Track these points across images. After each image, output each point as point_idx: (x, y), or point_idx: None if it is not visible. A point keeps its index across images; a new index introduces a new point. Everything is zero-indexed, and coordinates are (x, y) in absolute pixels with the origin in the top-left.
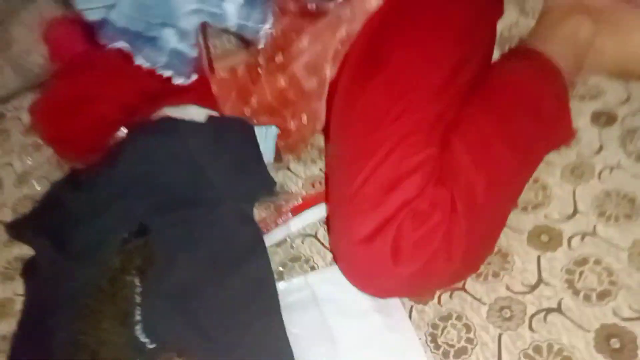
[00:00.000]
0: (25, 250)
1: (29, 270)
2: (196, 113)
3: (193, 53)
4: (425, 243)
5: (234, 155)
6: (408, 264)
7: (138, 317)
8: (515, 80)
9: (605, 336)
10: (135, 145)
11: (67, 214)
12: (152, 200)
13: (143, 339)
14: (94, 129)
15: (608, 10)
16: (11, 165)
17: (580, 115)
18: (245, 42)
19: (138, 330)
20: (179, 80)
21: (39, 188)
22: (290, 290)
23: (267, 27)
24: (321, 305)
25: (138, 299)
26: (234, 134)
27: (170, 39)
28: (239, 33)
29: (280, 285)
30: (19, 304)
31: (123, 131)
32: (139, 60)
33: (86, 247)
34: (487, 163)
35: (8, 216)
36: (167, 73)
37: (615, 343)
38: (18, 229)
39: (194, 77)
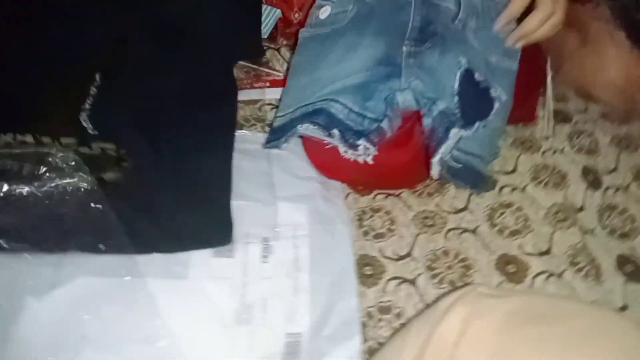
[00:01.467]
0: None
1: None
2: None
3: None
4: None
5: (235, 11)
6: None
7: (87, 106)
8: None
9: (505, 261)
10: None
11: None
12: (141, 19)
13: (85, 123)
14: None
15: (596, 36)
16: None
17: (543, 110)
18: None
19: (83, 115)
20: None
21: None
22: (247, 139)
23: None
24: (270, 160)
25: (93, 91)
26: None
27: None
28: None
29: (239, 133)
30: None
31: None
32: None
33: (62, 33)
34: None
35: None
36: None
37: (511, 268)
38: None
39: None
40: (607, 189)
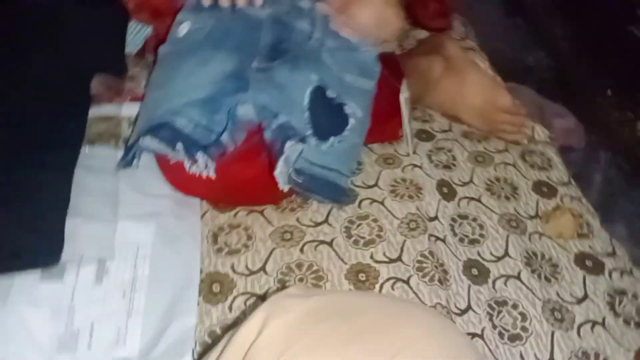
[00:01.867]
0: None
1: None
2: None
3: None
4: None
5: (97, 24)
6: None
7: None
8: None
9: (357, 270)
10: None
11: None
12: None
13: None
14: None
15: (458, 62)
16: None
17: (408, 126)
18: None
19: None
20: None
21: None
22: (96, 155)
23: None
24: (119, 177)
25: None
26: (108, 7)
27: None
28: None
29: (88, 149)
30: None
31: None
32: None
33: None
34: None
35: None
36: None
37: (362, 276)
38: None
39: None
40: (460, 199)
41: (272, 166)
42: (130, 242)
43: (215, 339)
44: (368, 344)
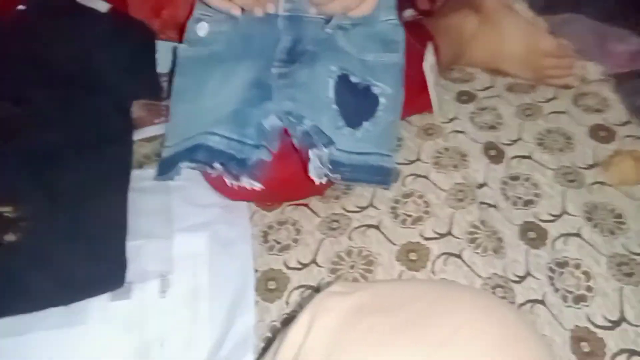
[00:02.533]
0: None
1: None
2: (101, 5)
3: None
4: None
5: (127, 53)
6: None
7: None
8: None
9: (407, 250)
10: (29, 22)
11: None
12: (37, 75)
13: None
14: None
15: (492, 12)
16: None
17: (448, 92)
18: None
19: None
20: None
21: None
22: (145, 176)
23: None
24: (170, 193)
25: None
26: (133, 34)
27: None
28: None
29: (137, 172)
30: None
31: (21, 7)
32: None
33: None
34: None
35: None
36: None
37: (413, 256)
38: None
39: None
40: (510, 160)
41: (306, 166)
42: (187, 253)
43: (277, 334)
44: (413, 335)
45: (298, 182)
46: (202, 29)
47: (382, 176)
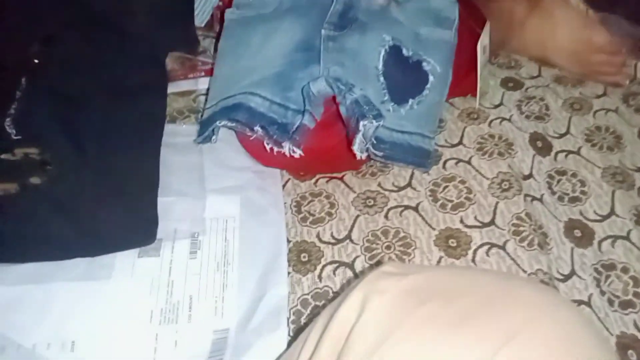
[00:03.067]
0: None
1: None
2: None
3: None
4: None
5: (164, 2)
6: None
7: (12, 111)
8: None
9: (447, 236)
10: None
11: None
12: (68, 15)
13: (9, 129)
14: None
15: (546, 2)
16: None
17: (494, 77)
18: None
19: (7, 121)
20: None
21: None
22: (178, 132)
23: None
24: (202, 153)
25: (18, 94)
26: None
27: None
28: None
29: (170, 126)
30: None
31: None
32: None
33: None
34: None
35: None
36: None
37: (452, 242)
38: None
39: None
40: (557, 153)
41: (349, 138)
42: (220, 216)
43: (308, 308)
44: (475, 329)
45: (338, 153)
46: None
47: (422, 158)
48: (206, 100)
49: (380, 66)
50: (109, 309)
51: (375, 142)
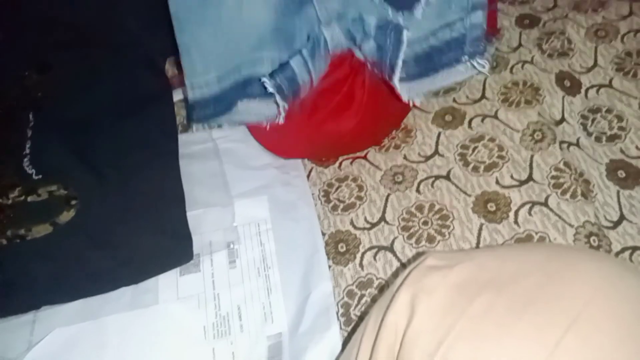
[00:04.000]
0: None
1: None
2: None
3: None
4: (329, 91)
5: (152, 5)
6: (308, 117)
7: (27, 151)
8: None
9: (485, 200)
10: None
11: None
12: (58, 37)
13: (29, 170)
14: None
15: None
16: None
17: (507, 16)
18: None
19: (25, 161)
20: None
21: None
22: (193, 141)
23: None
24: (221, 157)
25: (29, 133)
26: None
27: None
28: None
29: (183, 136)
30: None
31: None
32: None
33: None
34: None
35: None
36: None
37: (491, 206)
38: None
39: None
40: (587, 90)
41: (388, 85)
42: (251, 221)
43: (354, 298)
44: (534, 318)
45: (357, 135)
46: None
47: (471, 45)
48: (185, 71)
49: None
50: (162, 333)
51: (417, 63)
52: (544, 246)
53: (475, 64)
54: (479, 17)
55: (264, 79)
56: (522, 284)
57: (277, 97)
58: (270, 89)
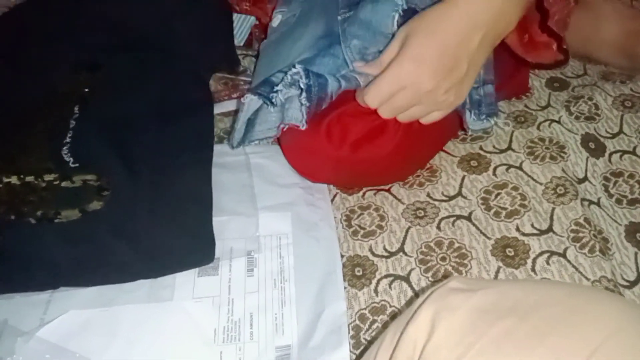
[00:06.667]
0: None
1: None
2: None
3: None
4: (357, 127)
5: (205, 21)
6: (339, 143)
7: (68, 140)
8: None
9: (503, 245)
10: None
11: (25, 33)
12: (112, 39)
13: (67, 157)
14: None
15: None
16: None
17: (538, 78)
18: None
19: (64, 150)
20: None
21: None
22: (226, 152)
23: None
24: (252, 171)
25: (73, 123)
26: (210, 1)
27: None
28: None
29: (218, 147)
30: None
31: None
32: None
33: (36, 67)
34: None
35: None
36: None
37: (510, 252)
38: None
39: None
40: (611, 154)
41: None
42: (273, 233)
43: (366, 323)
44: (554, 345)
45: (389, 164)
46: (276, 20)
47: (490, 108)
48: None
49: (396, 29)
50: (173, 330)
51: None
52: (565, 283)
53: (491, 120)
54: (490, 89)
55: (298, 68)
56: (544, 313)
57: (304, 96)
58: (302, 84)
